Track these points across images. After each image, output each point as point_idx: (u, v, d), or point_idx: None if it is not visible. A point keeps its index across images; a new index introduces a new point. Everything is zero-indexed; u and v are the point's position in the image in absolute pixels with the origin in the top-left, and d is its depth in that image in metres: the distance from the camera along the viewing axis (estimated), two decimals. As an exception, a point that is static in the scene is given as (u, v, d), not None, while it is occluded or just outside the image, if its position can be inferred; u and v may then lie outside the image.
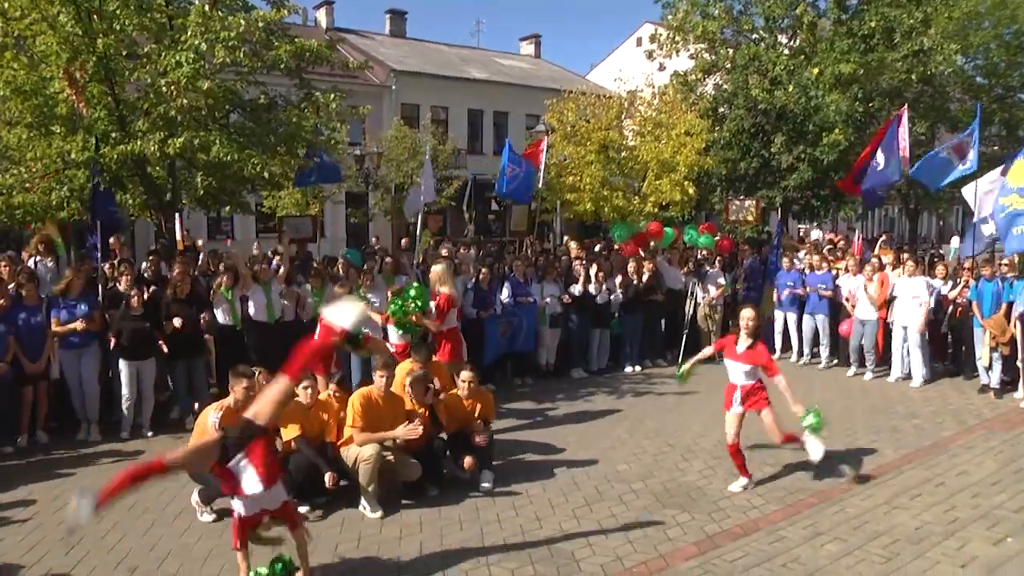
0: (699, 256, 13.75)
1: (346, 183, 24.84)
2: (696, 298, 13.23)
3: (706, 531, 6.19)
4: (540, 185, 15.09)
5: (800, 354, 13.18)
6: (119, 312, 8.83)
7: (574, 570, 5.52)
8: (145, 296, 9.08)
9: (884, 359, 12.15)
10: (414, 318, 8.68)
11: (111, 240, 11.00)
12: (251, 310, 9.81)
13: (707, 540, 6.02)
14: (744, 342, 7.03)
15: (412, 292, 8.73)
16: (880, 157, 13.10)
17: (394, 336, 9.18)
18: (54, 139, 10.67)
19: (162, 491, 7.10)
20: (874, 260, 12.54)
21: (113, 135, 10.74)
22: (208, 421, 6.41)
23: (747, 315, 7.08)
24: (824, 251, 14.42)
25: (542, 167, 14.37)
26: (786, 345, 13.46)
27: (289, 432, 6.73)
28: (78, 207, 11.28)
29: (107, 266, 10.21)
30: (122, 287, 9.14)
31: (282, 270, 10.46)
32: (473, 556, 5.72)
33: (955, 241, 23.57)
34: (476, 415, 7.43)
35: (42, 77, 10.59)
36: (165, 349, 9.17)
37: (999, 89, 24.10)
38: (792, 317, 13.20)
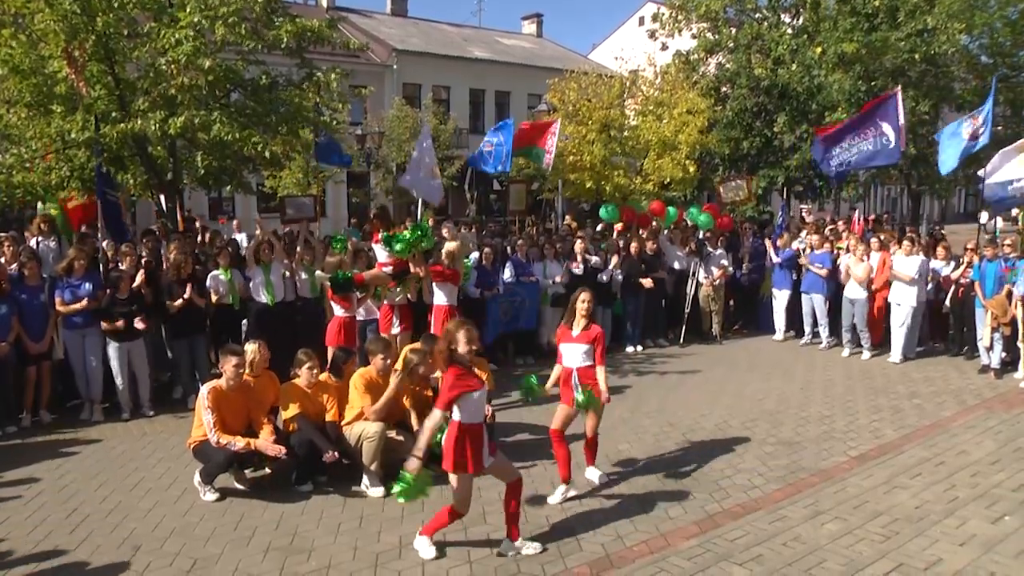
0: (701, 237, 13.74)
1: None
2: (698, 279, 13.24)
3: (707, 510, 6.22)
4: (547, 166, 14.99)
5: (800, 334, 13.20)
6: (108, 296, 8.83)
7: (575, 549, 5.55)
8: (139, 279, 9.05)
9: (884, 339, 12.17)
10: (416, 255, 8.63)
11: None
12: (251, 290, 9.85)
13: (708, 519, 6.05)
14: (579, 324, 6.54)
15: (425, 228, 8.66)
16: (891, 134, 13.00)
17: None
18: (53, 118, 10.63)
19: (164, 472, 7.14)
20: (873, 240, 12.53)
21: (113, 114, 10.69)
22: (200, 395, 6.52)
23: (585, 298, 6.53)
24: (826, 231, 14.41)
25: (552, 148, 14.26)
26: (788, 325, 13.47)
27: (290, 412, 6.76)
28: (78, 186, 11.26)
29: (107, 245, 10.20)
30: (124, 267, 9.15)
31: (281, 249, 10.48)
32: (475, 535, 5.74)
33: (984, 216, 23.52)
34: None
35: (41, 56, 10.53)
36: (142, 325, 8.84)
37: (1004, 69, 23.88)
38: (790, 296, 13.24)
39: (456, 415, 5.28)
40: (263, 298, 9.80)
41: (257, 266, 9.88)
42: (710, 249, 13.48)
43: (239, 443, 6.33)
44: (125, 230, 11.19)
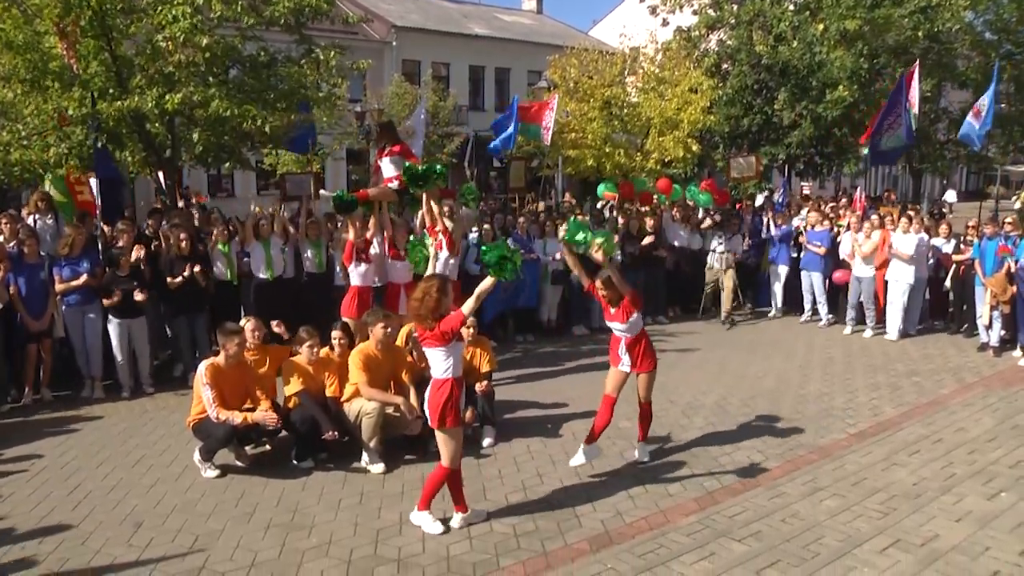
0: (714, 217, 13.60)
1: (347, 140, 24.72)
2: (716, 254, 13.07)
3: (706, 487, 6.25)
4: (546, 142, 14.97)
5: (797, 311, 13.20)
6: (108, 274, 8.82)
7: (575, 525, 5.58)
8: (139, 255, 9.00)
9: (883, 316, 12.19)
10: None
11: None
12: (251, 266, 9.83)
13: (707, 496, 6.08)
14: (609, 307, 6.47)
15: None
16: (904, 118, 13.08)
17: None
18: (50, 95, 10.56)
19: (165, 449, 7.17)
20: (874, 217, 12.50)
21: (111, 91, 10.62)
22: (198, 373, 6.53)
23: (598, 285, 6.41)
24: (826, 208, 14.37)
25: (551, 124, 14.23)
26: (785, 302, 13.47)
27: (292, 387, 6.78)
28: (76, 164, 11.20)
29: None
30: (121, 244, 9.13)
31: (278, 226, 10.40)
32: (475, 512, 5.76)
33: (951, 195, 23.49)
34: (476, 365, 7.48)
35: (36, 32, 10.44)
36: (141, 296, 8.72)
37: (1008, 45, 23.71)
38: (789, 273, 13.24)
39: (449, 372, 5.35)
40: (263, 274, 9.81)
41: (257, 241, 9.88)
42: (720, 232, 13.27)
43: (238, 418, 6.35)
44: (123, 205, 11.10)
